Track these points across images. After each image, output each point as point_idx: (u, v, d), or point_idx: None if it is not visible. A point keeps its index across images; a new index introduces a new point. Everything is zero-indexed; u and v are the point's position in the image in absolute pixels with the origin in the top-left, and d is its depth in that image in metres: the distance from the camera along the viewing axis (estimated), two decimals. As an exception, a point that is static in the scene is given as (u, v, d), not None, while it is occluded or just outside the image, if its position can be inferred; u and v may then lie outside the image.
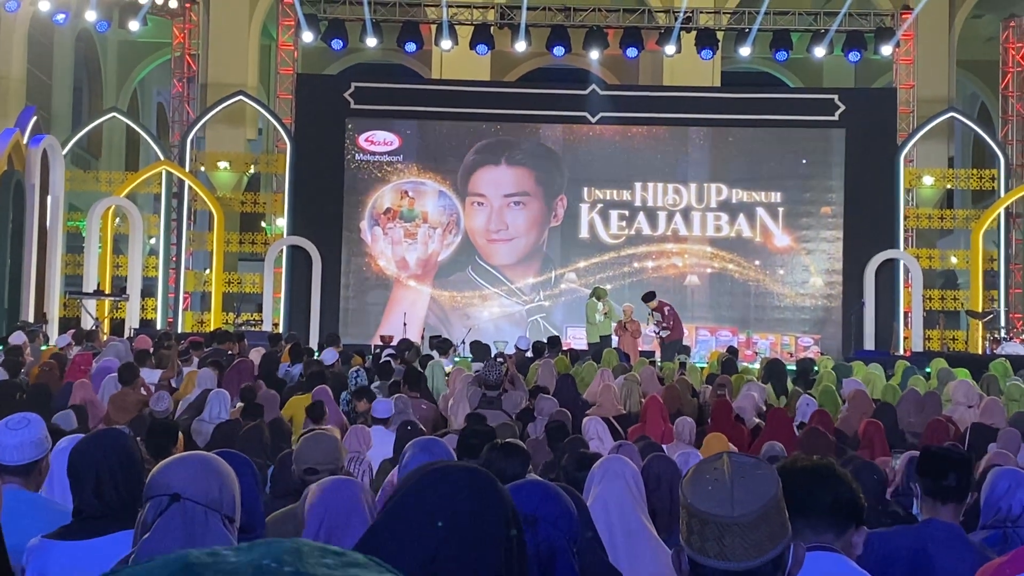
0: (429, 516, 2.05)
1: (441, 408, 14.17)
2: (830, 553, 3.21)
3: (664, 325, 21.93)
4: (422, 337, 23.63)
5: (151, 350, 16.49)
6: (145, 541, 3.20)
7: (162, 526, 3.19)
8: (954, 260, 29.59)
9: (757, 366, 19.59)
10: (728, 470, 2.49)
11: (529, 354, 19.06)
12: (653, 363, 18.61)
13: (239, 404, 12.12)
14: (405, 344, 18.83)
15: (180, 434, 8.78)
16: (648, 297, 22.38)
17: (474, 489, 2.09)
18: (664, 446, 9.31)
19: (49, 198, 25.07)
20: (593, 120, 27.45)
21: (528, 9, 26.70)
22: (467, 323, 26.34)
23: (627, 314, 22.01)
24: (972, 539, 5.42)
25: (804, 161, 27.63)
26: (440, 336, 21.14)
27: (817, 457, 3.54)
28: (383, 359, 16.74)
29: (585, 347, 21.97)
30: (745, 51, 27.59)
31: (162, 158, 27.84)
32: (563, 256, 27.58)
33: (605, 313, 22.08)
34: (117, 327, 25.54)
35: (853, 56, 27.56)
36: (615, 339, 21.63)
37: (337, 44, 27.40)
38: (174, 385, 14.67)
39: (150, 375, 14.77)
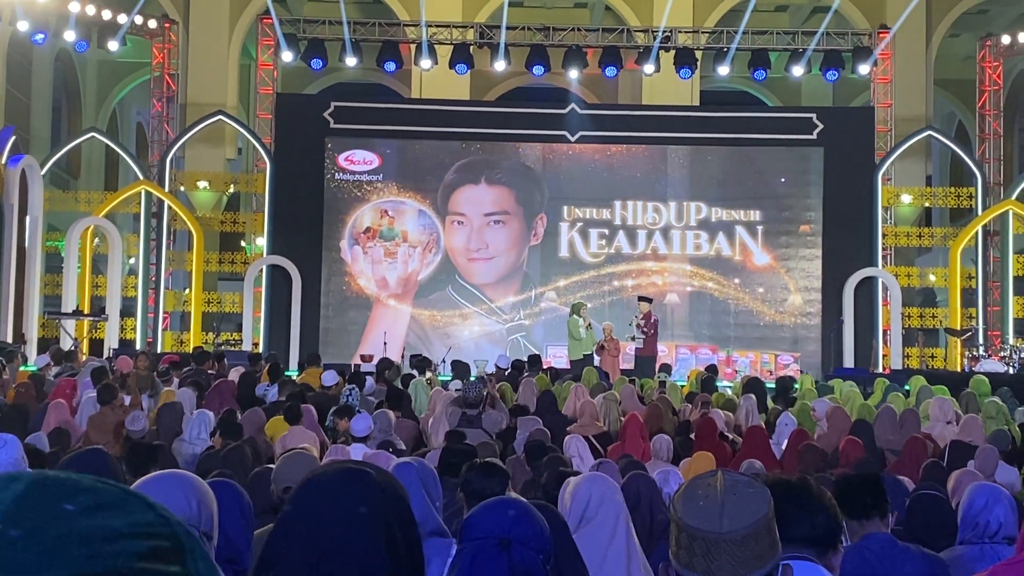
0: (311, 524, 2.13)
1: (423, 427, 14.14)
2: (807, 563, 3.20)
3: (644, 329, 21.97)
4: (402, 356, 23.60)
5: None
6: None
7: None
8: (932, 278, 29.70)
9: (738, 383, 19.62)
10: (720, 487, 2.48)
11: (508, 371, 19.03)
12: (632, 381, 18.60)
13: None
14: (386, 363, 18.79)
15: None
16: (646, 299, 22.65)
17: (351, 492, 2.14)
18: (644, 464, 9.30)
19: (28, 218, 24.98)
20: (572, 139, 27.51)
21: (507, 29, 26.79)
22: (447, 342, 26.31)
23: (607, 332, 22.01)
24: (950, 554, 5.46)
25: (783, 180, 27.73)
26: (421, 355, 21.13)
27: (795, 477, 3.53)
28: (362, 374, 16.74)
29: (565, 366, 21.96)
30: (724, 70, 27.72)
31: (141, 178, 27.79)
32: (543, 275, 27.60)
33: (588, 326, 22.10)
34: (96, 347, 25.44)
35: (831, 75, 27.67)
36: (596, 359, 21.62)
37: (317, 64, 27.43)
38: (144, 408, 14.56)
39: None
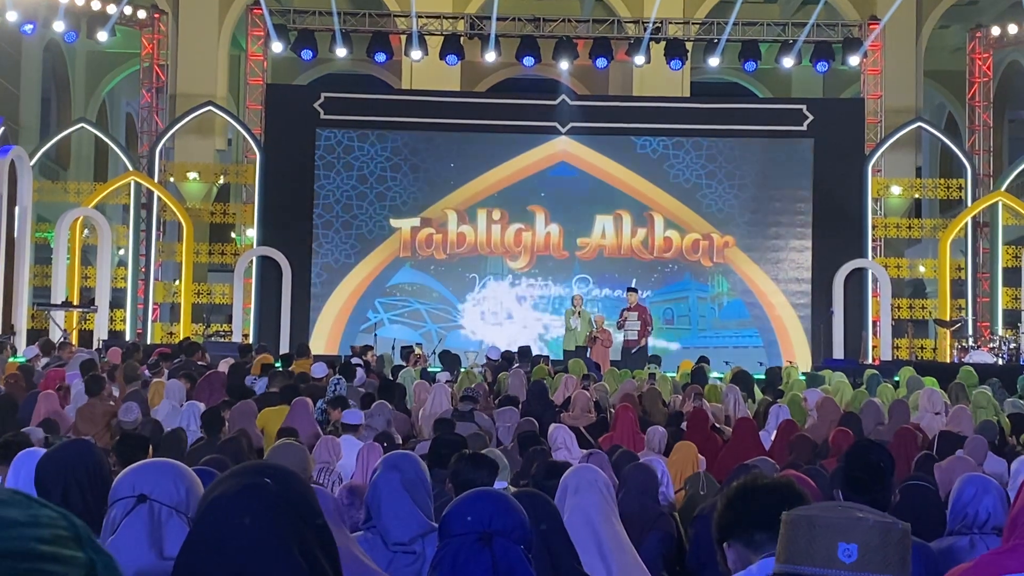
0: (218, 551, 2.24)
1: (414, 419, 14.14)
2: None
3: (646, 327, 22.18)
4: (393, 347, 23.61)
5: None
6: (111, 542, 3.19)
7: (127, 526, 3.19)
8: (922, 269, 29.75)
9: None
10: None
11: (498, 363, 19.03)
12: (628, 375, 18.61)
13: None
14: (362, 349, 18.83)
15: (150, 446, 8.75)
16: (633, 289, 22.75)
17: (251, 512, 2.24)
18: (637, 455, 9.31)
19: (17, 209, 24.89)
20: (563, 130, 27.48)
21: (498, 19, 26.74)
22: (438, 333, 26.31)
23: (598, 324, 22.04)
24: (939, 544, 5.46)
25: (773, 171, 27.70)
26: (410, 346, 21.15)
27: (777, 475, 3.56)
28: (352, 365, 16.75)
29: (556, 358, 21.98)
30: (714, 61, 27.71)
31: (131, 169, 27.74)
32: (536, 267, 27.58)
33: (578, 313, 22.20)
34: (86, 339, 25.38)
35: (821, 66, 27.69)
36: (589, 351, 21.66)
37: (307, 54, 27.37)
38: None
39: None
